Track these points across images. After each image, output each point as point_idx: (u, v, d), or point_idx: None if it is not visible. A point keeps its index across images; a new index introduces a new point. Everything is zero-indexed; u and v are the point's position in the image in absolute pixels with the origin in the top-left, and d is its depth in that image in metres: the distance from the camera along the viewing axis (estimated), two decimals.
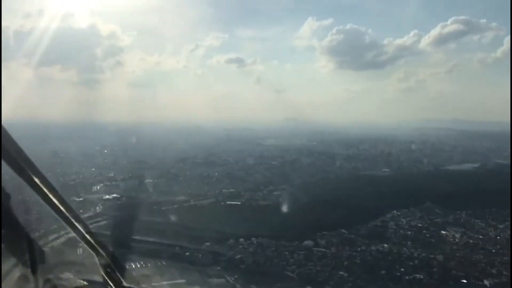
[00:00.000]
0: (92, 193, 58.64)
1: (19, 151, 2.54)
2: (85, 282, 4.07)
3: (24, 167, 2.61)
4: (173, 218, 47.34)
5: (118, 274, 3.84)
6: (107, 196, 55.22)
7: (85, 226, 3.35)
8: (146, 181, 67.17)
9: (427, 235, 47.80)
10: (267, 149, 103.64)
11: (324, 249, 41.83)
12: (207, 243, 40.64)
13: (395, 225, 50.40)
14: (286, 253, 40.77)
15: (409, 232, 48.34)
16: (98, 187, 62.85)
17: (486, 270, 38.69)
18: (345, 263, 38.84)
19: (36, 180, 2.70)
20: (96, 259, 3.73)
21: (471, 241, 46.25)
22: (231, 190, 64.44)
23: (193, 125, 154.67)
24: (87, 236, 3.42)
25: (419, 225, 50.77)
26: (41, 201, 2.88)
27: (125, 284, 3.89)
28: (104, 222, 43.42)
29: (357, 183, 70.40)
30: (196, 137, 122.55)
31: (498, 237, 47.40)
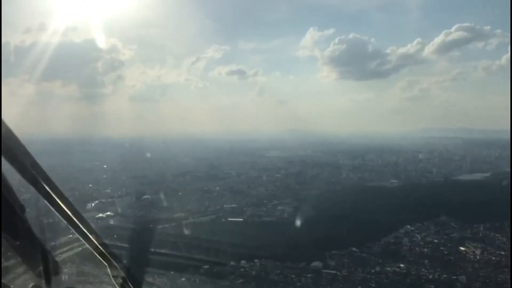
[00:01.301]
0: (85, 210, 54.40)
1: (33, 162, 2.48)
2: None
3: (38, 178, 2.53)
4: (168, 238, 43.04)
5: (131, 286, 3.52)
6: (100, 214, 51.08)
7: (97, 237, 3.12)
8: (144, 197, 63.15)
9: (445, 252, 43.35)
10: (270, 161, 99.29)
11: (334, 271, 37.51)
12: (205, 266, 36.39)
13: (410, 242, 46.01)
14: (293, 276, 36.52)
15: (425, 249, 43.88)
16: (93, 204, 58.70)
17: None
18: (359, 287, 34.43)
19: (49, 190, 2.62)
20: (109, 271, 3.44)
21: (493, 258, 41.78)
22: (233, 205, 60.33)
23: (195, 138, 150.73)
24: (100, 247, 3.18)
25: (435, 241, 46.31)
26: (54, 211, 2.79)
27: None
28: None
29: (365, 195, 65.97)
30: (198, 150, 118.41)
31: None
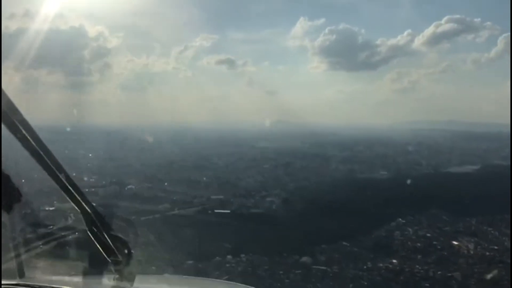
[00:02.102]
0: (67, 201, 51.49)
1: (20, 116, 2.50)
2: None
3: (14, 120, 2.49)
4: (151, 230, 40.50)
5: (98, 223, 3.13)
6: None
7: (67, 178, 2.93)
8: (128, 187, 60.77)
9: (438, 247, 41.52)
10: (259, 152, 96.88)
11: (324, 267, 35.36)
12: (189, 262, 34.04)
13: (402, 236, 44.18)
14: (281, 272, 34.31)
15: (418, 244, 42.05)
16: None
17: None
18: (351, 285, 32.40)
19: (27, 135, 2.59)
20: (75, 207, 3.10)
21: (487, 253, 40.06)
22: (220, 196, 57.97)
23: (183, 127, 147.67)
24: (71, 188, 2.96)
25: (428, 235, 44.51)
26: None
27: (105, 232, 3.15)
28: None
29: (355, 187, 63.98)
30: (186, 140, 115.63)
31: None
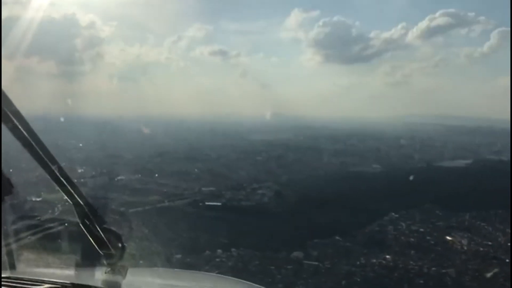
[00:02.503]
0: (54, 191, 49.63)
1: (9, 103, 2.48)
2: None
3: (14, 119, 2.51)
4: (140, 222, 39.21)
5: (90, 215, 3.12)
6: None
7: (60, 169, 2.87)
8: (118, 178, 59.43)
9: (432, 243, 40.76)
10: (251, 144, 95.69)
11: (316, 262, 34.40)
12: (178, 256, 32.87)
13: (395, 230, 43.36)
14: (272, 267, 33.23)
15: (411, 239, 41.21)
16: None
17: (506, 286, 31.83)
18: (343, 282, 31.41)
19: (25, 133, 2.59)
20: (68, 199, 3.07)
21: (481, 248, 39.34)
22: (211, 188, 56.81)
23: (176, 118, 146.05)
24: (63, 180, 2.92)
25: (421, 230, 43.68)
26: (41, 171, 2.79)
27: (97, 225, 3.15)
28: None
29: (348, 181, 63.11)
30: (178, 131, 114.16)
31: (509, 244, 40.67)
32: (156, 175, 63.39)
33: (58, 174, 2.84)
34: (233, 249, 35.30)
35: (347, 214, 46.11)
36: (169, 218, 42.18)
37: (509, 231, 42.77)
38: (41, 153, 2.72)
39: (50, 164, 2.79)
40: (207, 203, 49.48)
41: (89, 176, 59.63)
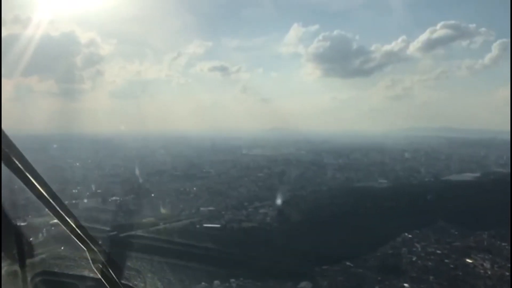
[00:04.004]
0: (42, 215, 45.75)
1: (9, 142, 2.39)
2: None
3: (13, 158, 2.42)
4: (131, 249, 34.80)
5: (110, 270, 3.23)
6: (56, 220, 42.51)
7: (75, 220, 2.94)
8: (112, 198, 55.07)
9: (451, 266, 36.30)
10: (252, 160, 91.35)
11: None
12: None
13: (409, 253, 38.98)
14: None
15: (429, 263, 36.77)
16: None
17: None
18: None
19: (26, 172, 2.51)
20: (87, 254, 3.16)
21: (507, 273, 34.75)
22: (210, 208, 52.55)
23: (176, 135, 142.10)
24: (78, 229, 2.99)
25: (438, 251, 39.26)
26: (29, 191, 2.65)
27: (117, 279, 3.28)
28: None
29: (354, 197, 58.51)
30: (178, 147, 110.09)
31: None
32: (153, 194, 59.10)
33: (75, 226, 2.86)
34: (232, 280, 30.92)
35: (356, 235, 41.60)
36: (161, 243, 37.50)
37: None
38: (58, 208, 2.72)
39: (66, 217, 2.78)
40: (205, 225, 45.05)
41: (83, 197, 55.48)
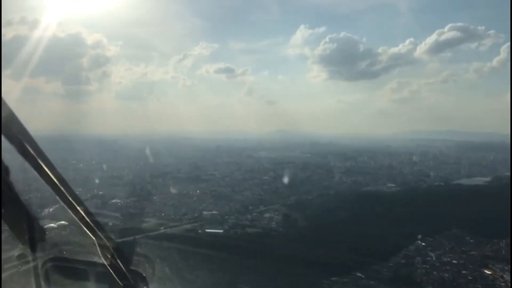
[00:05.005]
0: (38, 218, 43.67)
1: (20, 126, 2.33)
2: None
3: (26, 144, 2.38)
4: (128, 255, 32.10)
5: (117, 257, 3.18)
6: (51, 224, 39.82)
7: (84, 208, 2.93)
8: (112, 201, 52.60)
9: (470, 278, 33.32)
10: (258, 162, 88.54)
11: None
12: None
13: (424, 262, 36.02)
14: None
15: (445, 274, 33.74)
16: (51, 210, 47.23)
17: None
18: None
19: (37, 158, 2.46)
20: (95, 241, 3.11)
21: None
22: (214, 212, 49.90)
23: (181, 137, 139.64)
24: (86, 217, 2.95)
25: (454, 261, 36.26)
26: (40, 178, 2.57)
27: (123, 267, 3.24)
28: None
29: (362, 202, 55.46)
30: (183, 149, 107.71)
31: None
32: (155, 197, 56.51)
33: (83, 214, 2.85)
34: None
35: (365, 242, 38.79)
36: (161, 250, 34.78)
37: None
38: (70, 198, 2.72)
39: (76, 205, 2.78)
40: (207, 230, 42.33)
41: (82, 199, 52.84)
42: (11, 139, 2.29)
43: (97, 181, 63.68)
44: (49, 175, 2.52)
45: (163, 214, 48.62)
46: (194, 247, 36.63)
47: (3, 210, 2.60)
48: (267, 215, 49.54)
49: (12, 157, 2.41)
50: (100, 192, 57.09)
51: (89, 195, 55.53)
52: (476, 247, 39.81)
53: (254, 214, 49.87)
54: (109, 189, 59.26)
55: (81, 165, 79.47)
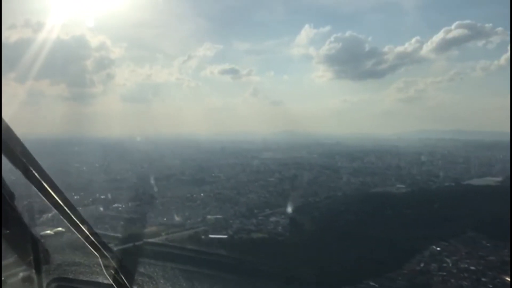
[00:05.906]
0: (35, 224, 41.55)
1: (24, 150, 2.35)
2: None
3: (28, 165, 2.40)
4: (128, 263, 29.85)
5: (123, 276, 3.18)
6: (48, 231, 37.78)
7: (89, 227, 2.92)
8: (114, 206, 50.58)
9: (490, 286, 30.75)
10: (263, 163, 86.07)
11: None
12: None
13: (440, 269, 33.61)
14: None
15: (463, 282, 31.28)
16: (49, 215, 45.20)
17: None
18: None
19: (40, 178, 2.47)
20: (100, 261, 3.13)
21: None
22: (218, 216, 47.73)
23: (186, 138, 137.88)
24: (91, 237, 2.98)
25: (472, 268, 33.78)
26: (44, 199, 2.60)
27: (129, 285, 3.22)
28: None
29: (372, 204, 53.02)
30: (188, 151, 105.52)
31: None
32: (158, 201, 54.30)
33: (92, 238, 2.83)
34: None
35: (377, 248, 36.39)
36: (161, 258, 32.54)
37: None
38: (71, 214, 2.68)
39: (80, 224, 2.73)
40: (210, 236, 40.05)
41: (83, 204, 50.77)
42: (15, 163, 2.25)
43: (99, 184, 61.96)
44: (54, 197, 2.50)
45: (165, 219, 46.53)
46: (196, 252, 34.41)
47: (7, 231, 2.57)
48: (273, 219, 47.32)
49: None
50: (102, 196, 55.13)
51: (90, 199, 53.76)
52: (494, 251, 37.29)
53: (259, 218, 47.69)
54: (111, 193, 57.12)
55: (84, 168, 77.83)
